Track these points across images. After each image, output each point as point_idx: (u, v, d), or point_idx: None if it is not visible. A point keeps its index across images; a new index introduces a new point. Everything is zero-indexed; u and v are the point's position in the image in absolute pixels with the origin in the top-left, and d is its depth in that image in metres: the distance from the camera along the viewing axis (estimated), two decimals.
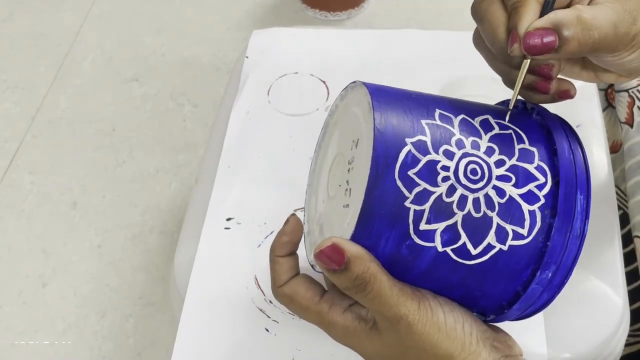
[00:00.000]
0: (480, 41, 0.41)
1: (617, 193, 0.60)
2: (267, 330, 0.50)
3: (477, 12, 0.39)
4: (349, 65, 0.67)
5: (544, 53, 0.35)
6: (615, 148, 0.66)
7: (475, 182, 0.33)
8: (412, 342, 0.36)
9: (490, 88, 0.65)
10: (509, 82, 0.39)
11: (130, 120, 1.31)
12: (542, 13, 0.36)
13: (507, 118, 0.36)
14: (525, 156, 0.35)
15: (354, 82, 0.37)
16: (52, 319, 1.04)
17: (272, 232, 0.55)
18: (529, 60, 0.35)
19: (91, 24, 1.51)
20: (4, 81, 1.40)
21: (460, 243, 0.32)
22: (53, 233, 1.14)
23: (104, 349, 1.01)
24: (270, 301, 0.51)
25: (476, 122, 0.35)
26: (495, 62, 0.40)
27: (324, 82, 0.67)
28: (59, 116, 1.33)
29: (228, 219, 0.56)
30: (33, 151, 1.27)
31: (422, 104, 0.35)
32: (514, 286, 0.34)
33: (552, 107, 0.63)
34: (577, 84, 0.64)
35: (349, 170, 0.36)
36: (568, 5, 0.38)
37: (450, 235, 0.32)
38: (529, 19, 0.35)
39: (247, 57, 0.70)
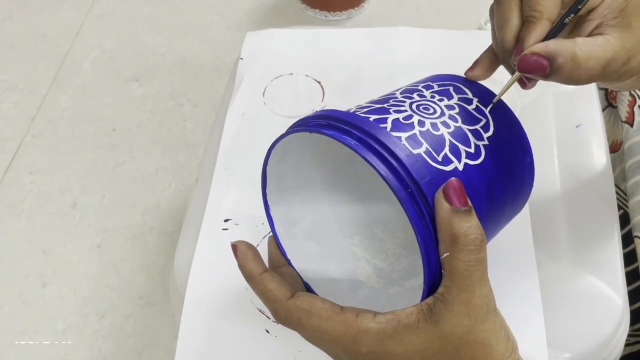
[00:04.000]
0: (492, 16, 0.43)
1: (617, 193, 0.59)
2: (267, 331, 0.49)
3: None
4: (344, 65, 0.67)
5: (534, 74, 0.37)
6: (615, 147, 0.66)
7: (429, 114, 0.38)
8: (474, 327, 0.33)
9: None
10: (505, 64, 0.42)
11: (130, 120, 1.31)
12: (550, 36, 0.38)
13: (488, 108, 0.40)
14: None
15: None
16: (52, 319, 1.04)
17: (269, 232, 0.55)
18: (519, 74, 0.39)
19: (91, 24, 1.51)
20: (4, 81, 1.40)
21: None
22: (53, 233, 1.14)
23: (104, 349, 1.01)
24: None
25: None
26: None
27: (319, 82, 0.66)
28: (59, 116, 1.33)
29: (226, 220, 0.56)
30: (33, 151, 1.27)
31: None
32: None
33: (552, 107, 0.63)
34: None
35: None
36: (572, 30, 0.41)
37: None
38: (537, 37, 0.38)
39: (241, 58, 0.70)
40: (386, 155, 0.34)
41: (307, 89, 0.66)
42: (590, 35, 0.39)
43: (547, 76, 0.37)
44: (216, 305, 0.51)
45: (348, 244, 0.46)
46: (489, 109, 0.39)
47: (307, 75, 0.67)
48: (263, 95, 0.66)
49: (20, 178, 1.23)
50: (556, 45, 0.37)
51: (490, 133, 0.39)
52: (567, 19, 0.39)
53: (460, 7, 1.49)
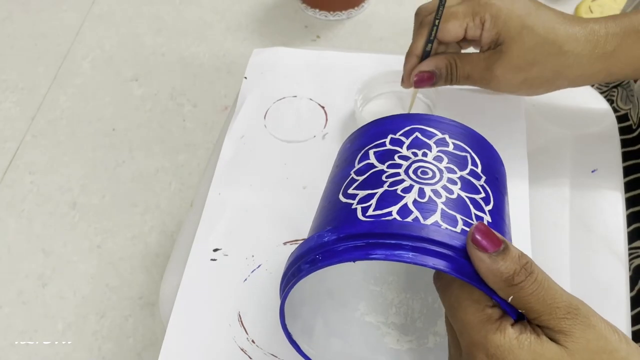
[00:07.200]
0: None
1: None
2: None
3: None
4: (350, 91, 0.63)
5: (426, 86, 0.54)
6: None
7: (429, 178, 0.37)
8: (598, 343, 0.31)
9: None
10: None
11: (130, 120, 1.31)
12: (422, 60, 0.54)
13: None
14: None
15: None
16: (52, 319, 1.04)
17: (259, 266, 0.52)
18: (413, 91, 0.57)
19: (91, 24, 1.51)
20: (4, 81, 1.40)
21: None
22: (53, 233, 1.14)
23: (104, 349, 1.01)
24: (253, 340, 0.48)
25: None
26: None
27: (322, 107, 0.63)
28: (59, 116, 1.33)
29: (215, 250, 0.53)
30: (33, 151, 1.27)
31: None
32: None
33: (569, 148, 0.59)
34: (597, 128, 0.60)
35: None
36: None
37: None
38: (410, 66, 0.54)
39: (245, 77, 0.66)
40: (451, 253, 0.32)
41: (310, 113, 0.63)
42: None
43: (434, 85, 0.53)
44: (198, 340, 0.49)
45: (359, 317, 0.44)
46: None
47: (311, 99, 0.64)
48: (264, 117, 0.63)
49: (20, 178, 1.23)
50: (436, 60, 0.53)
51: (481, 168, 0.38)
52: (428, 47, 0.53)
53: None
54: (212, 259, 0.53)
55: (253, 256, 0.53)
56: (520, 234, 0.52)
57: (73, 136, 1.29)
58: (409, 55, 0.55)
